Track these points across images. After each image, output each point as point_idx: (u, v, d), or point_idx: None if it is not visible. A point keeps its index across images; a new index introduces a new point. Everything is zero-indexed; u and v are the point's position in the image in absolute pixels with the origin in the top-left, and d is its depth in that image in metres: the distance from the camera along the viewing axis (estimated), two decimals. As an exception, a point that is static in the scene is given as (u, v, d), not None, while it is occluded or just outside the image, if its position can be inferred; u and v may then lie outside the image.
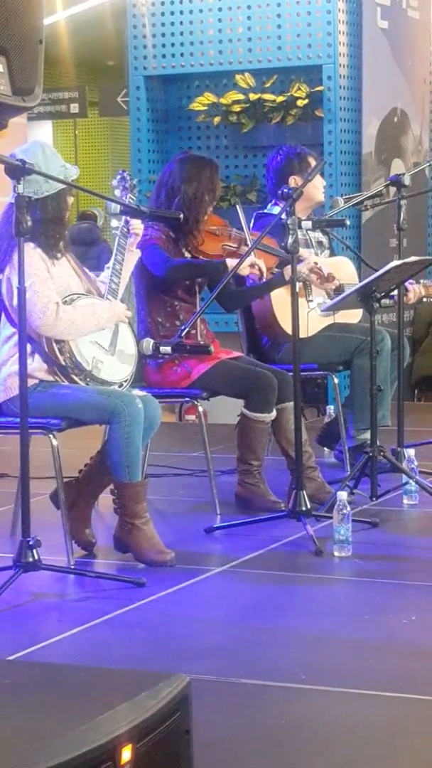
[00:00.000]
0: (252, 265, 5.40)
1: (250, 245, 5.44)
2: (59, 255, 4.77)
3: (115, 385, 4.74)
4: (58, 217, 4.72)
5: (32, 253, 4.62)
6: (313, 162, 5.97)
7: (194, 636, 3.94)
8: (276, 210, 5.95)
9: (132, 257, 4.93)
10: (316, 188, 5.99)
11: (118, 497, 4.66)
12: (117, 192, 4.99)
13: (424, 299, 6.24)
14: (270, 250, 5.65)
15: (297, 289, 5.01)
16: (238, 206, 5.66)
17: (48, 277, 4.66)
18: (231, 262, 5.39)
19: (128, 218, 4.88)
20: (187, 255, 5.55)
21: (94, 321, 4.70)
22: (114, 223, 4.90)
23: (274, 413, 5.41)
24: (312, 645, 3.83)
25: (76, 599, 4.40)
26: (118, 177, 5.02)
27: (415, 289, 6.09)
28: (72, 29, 13.24)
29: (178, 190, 5.48)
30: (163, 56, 8.34)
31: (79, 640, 3.90)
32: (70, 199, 4.78)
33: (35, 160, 4.55)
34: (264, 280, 5.50)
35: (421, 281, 6.19)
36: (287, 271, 5.15)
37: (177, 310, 5.48)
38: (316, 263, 5.88)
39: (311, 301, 5.98)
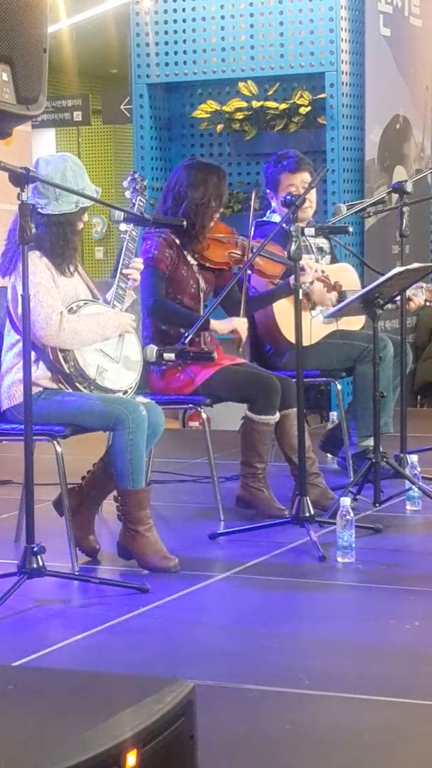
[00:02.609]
0: (233, 331, 5.51)
1: (250, 256, 5.47)
2: (67, 273, 4.75)
3: (120, 392, 4.75)
4: (65, 239, 4.70)
5: (38, 261, 4.63)
6: (285, 181, 5.94)
7: (198, 641, 3.94)
8: (275, 217, 5.98)
9: (129, 299, 4.92)
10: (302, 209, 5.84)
11: (122, 504, 4.67)
12: (127, 193, 5.00)
13: (427, 303, 6.24)
14: (274, 257, 5.67)
15: (300, 297, 5.03)
16: (250, 216, 5.68)
17: (52, 287, 4.67)
18: (215, 324, 5.46)
19: (135, 231, 4.87)
20: (192, 261, 5.57)
21: (99, 331, 4.70)
22: (123, 227, 4.90)
23: (277, 416, 5.42)
24: (315, 650, 3.83)
25: (80, 605, 4.41)
26: (129, 178, 5.03)
27: (415, 300, 6.07)
28: (75, 37, 13.26)
29: (185, 196, 5.50)
30: (166, 64, 8.36)
31: (84, 646, 3.90)
32: (80, 224, 4.75)
33: (51, 177, 4.57)
34: (243, 342, 5.58)
35: (424, 286, 6.20)
36: (293, 280, 5.17)
37: (180, 310, 5.49)
38: (323, 271, 5.90)
39: (313, 309, 6.00)
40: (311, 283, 5.86)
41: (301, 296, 5.07)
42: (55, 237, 4.68)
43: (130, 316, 4.85)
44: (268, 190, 6.12)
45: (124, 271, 4.86)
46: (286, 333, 5.71)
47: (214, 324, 5.50)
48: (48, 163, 4.67)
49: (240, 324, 5.53)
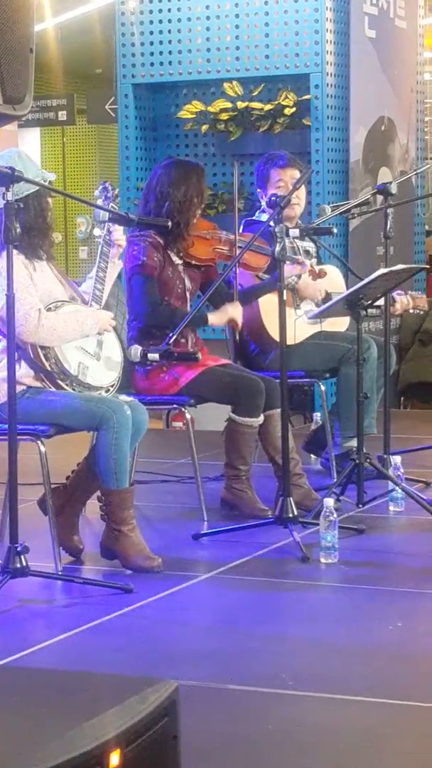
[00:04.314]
0: (229, 320, 5.57)
1: (241, 247, 5.49)
2: (43, 256, 4.78)
3: (102, 390, 4.76)
4: (41, 218, 4.73)
5: (14, 259, 4.63)
6: (274, 176, 6.00)
7: (182, 642, 3.95)
8: (264, 217, 6.00)
9: (115, 268, 4.94)
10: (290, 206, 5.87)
11: (106, 504, 4.68)
12: (99, 202, 5.01)
13: (411, 310, 6.26)
14: (260, 249, 5.68)
15: (285, 297, 5.04)
16: (235, 208, 5.70)
17: (30, 284, 4.68)
18: (212, 318, 5.52)
19: (111, 227, 4.90)
20: (177, 261, 5.58)
21: (77, 328, 4.71)
22: (97, 231, 4.93)
23: (261, 418, 5.44)
24: (299, 651, 3.84)
25: (63, 605, 4.41)
26: (100, 188, 5.04)
27: (402, 300, 6.11)
28: (60, 37, 13.25)
29: (167, 195, 5.52)
30: (152, 64, 8.36)
31: (67, 646, 3.90)
32: (50, 201, 4.80)
33: (12, 164, 4.58)
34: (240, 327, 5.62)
35: (409, 292, 6.22)
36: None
37: (176, 311, 5.50)
38: (308, 261, 5.95)
39: (299, 308, 6.02)
40: (299, 277, 5.88)
41: (286, 296, 5.08)
42: (33, 220, 4.69)
43: (108, 314, 4.86)
44: (258, 189, 6.14)
45: (111, 230, 4.86)
46: (272, 332, 5.72)
47: (212, 318, 5.52)
48: (2, 158, 4.69)
49: (234, 310, 5.54)
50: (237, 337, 5.71)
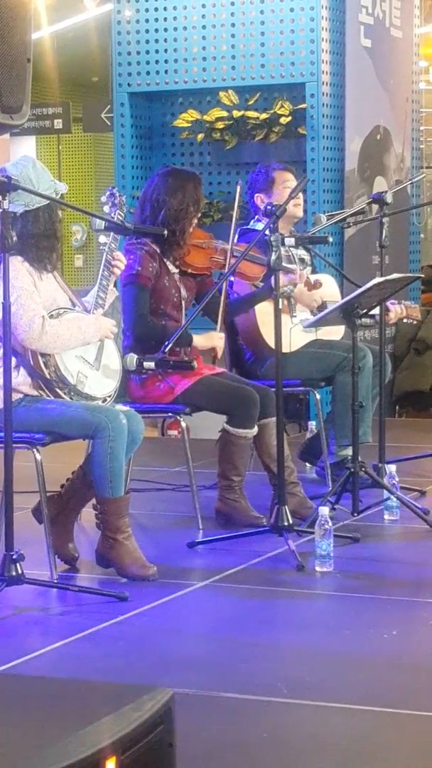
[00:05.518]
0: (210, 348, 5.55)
1: (236, 257, 5.50)
2: (49, 268, 4.79)
3: (99, 400, 4.76)
4: (50, 230, 4.74)
5: (19, 266, 4.64)
6: (279, 177, 6.07)
7: (177, 650, 3.95)
8: (259, 226, 6.01)
9: (111, 296, 4.94)
10: (294, 205, 5.98)
11: (101, 512, 4.68)
12: (106, 208, 5.02)
13: (405, 320, 6.28)
14: (256, 259, 5.69)
15: (280, 306, 5.05)
16: (233, 221, 5.71)
17: (34, 291, 4.68)
18: (197, 339, 5.48)
19: (114, 243, 4.90)
20: (173, 270, 5.58)
21: (79, 335, 4.72)
22: (102, 239, 4.92)
23: (255, 429, 5.44)
24: (293, 659, 3.85)
25: (58, 613, 4.41)
26: (107, 194, 5.05)
27: (396, 310, 6.13)
28: (57, 45, 13.28)
29: (163, 203, 5.53)
30: (148, 73, 8.37)
31: (62, 654, 3.91)
32: (61, 213, 4.82)
33: (26, 173, 4.59)
34: (218, 358, 5.62)
35: (403, 302, 6.23)
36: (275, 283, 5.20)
37: (165, 328, 5.51)
38: (301, 269, 5.97)
39: (295, 316, 6.03)
40: (295, 285, 5.90)
41: (281, 305, 5.09)
42: (42, 231, 4.69)
43: (110, 321, 4.86)
44: (258, 194, 6.13)
45: (112, 261, 4.88)
46: (268, 339, 5.73)
47: (197, 340, 5.50)
48: (16, 166, 4.69)
49: (218, 340, 5.52)
50: (215, 363, 5.68)
